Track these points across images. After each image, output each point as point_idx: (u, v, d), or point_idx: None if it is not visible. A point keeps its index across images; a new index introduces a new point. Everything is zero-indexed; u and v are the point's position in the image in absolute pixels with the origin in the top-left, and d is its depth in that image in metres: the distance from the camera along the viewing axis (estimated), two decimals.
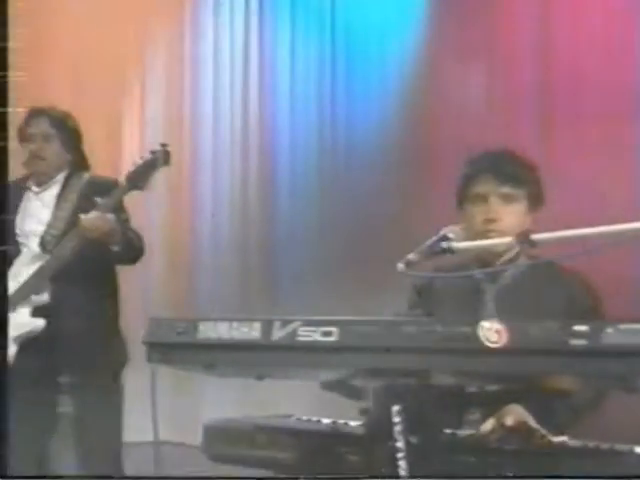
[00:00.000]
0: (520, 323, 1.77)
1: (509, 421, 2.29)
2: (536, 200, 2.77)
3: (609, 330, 1.70)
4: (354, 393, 2.11)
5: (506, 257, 2.70)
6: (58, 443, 3.91)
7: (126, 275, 3.92)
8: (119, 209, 3.67)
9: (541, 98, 4.92)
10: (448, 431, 2.17)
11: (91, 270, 3.65)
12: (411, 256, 2.27)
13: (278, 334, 1.95)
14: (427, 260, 2.28)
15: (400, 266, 2.25)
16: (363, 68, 5.41)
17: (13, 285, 3.64)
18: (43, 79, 5.12)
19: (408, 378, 1.85)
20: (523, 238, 2.14)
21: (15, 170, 4.51)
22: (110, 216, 3.48)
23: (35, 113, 3.82)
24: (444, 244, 2.27)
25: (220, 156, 5.55)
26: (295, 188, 5.51)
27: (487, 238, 2.63)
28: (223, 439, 2.28)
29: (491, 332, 1.76)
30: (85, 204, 3.66)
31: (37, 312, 3.63)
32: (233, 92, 5.66)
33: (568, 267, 2.69)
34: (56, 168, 3.80)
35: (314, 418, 2.44)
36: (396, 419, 1.86)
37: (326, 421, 2.40)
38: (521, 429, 2.27)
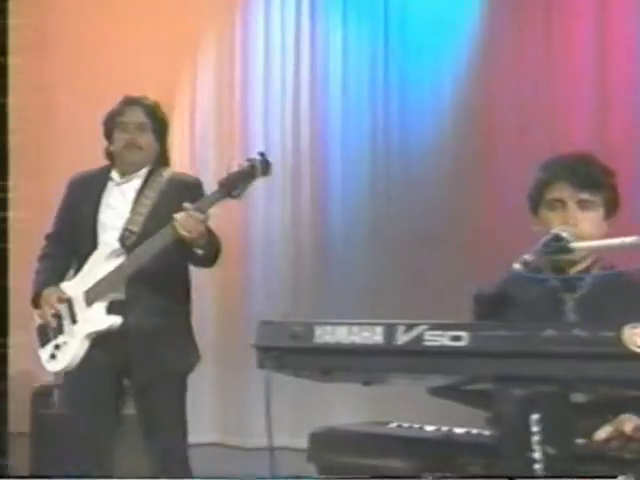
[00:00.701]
0: None
1: (628, 428, 2.20)
2: (613, 206, 2.71)
3: None
4: (472, 399, 2.04)
5: (581, 266, 2.64)
6: (122, 445, 3.87)
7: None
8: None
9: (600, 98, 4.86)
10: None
11: (170, 270, 3.60)
12: (527, 256, 2.23)
13: (403, 338, 1.89)
14: (541, 260, 2.22)
15: (517, 266, 2.21)
16: (417, 67, 5.32)
17: (89, 280, 3.60)
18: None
19: (548, 385, 1.77)
20: None
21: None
22: (203, 218, 3.41)
23: (129, 102, 3.75)
24: (561, 243, 2.21)
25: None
26: (347, 194, 5.43)
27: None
28: (330, 447, 2.21)
29: (638, 336, 1.70)
30: (165, 202, 3.62)
31: (113, 309, 3.58)
32: (284, 101, 5.56)
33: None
34: (148, 158, 3.73)
35: (416, 425, 2.37)
36: (535, 428, 1.78)
37: (430, 428, 2.32)
38: None
